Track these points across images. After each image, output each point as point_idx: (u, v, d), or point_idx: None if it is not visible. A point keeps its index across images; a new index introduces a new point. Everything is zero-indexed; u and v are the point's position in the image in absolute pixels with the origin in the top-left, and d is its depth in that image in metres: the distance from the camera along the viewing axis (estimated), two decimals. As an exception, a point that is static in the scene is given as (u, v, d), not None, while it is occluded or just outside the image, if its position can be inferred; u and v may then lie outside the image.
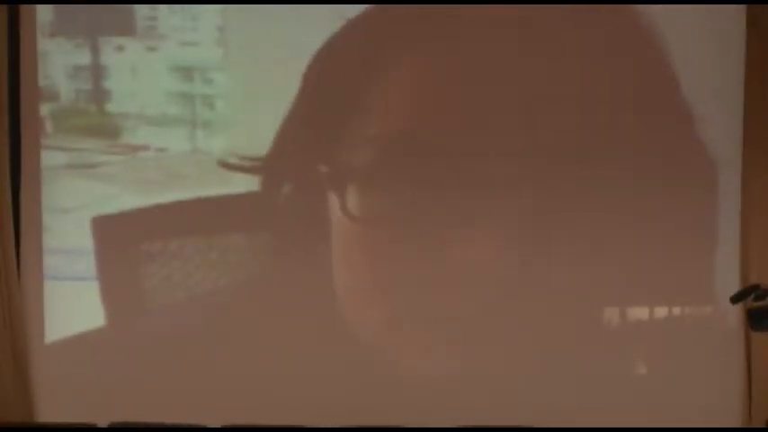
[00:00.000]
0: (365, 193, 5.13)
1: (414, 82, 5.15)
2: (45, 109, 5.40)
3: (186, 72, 5.36)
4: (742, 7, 5.07)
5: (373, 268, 5.19)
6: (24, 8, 5.35)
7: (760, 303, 4.03)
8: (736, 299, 4.24)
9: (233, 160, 5.24)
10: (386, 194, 5.16)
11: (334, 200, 5.14)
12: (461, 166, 5.16)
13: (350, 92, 5.18)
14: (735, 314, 4.97)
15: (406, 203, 5.18)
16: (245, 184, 5.28)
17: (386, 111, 5.15)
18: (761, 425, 4.97)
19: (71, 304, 5.35)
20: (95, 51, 5.39)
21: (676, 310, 5.18)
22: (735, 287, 4.88)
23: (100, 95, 5.40)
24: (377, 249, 5.18)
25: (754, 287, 4.13)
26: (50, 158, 5.39)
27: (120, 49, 5.38)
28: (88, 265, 5.33)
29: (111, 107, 5.39)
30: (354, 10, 5.22)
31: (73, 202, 5.37)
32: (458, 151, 5.16)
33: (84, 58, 5.39)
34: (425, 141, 5.14)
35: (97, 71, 5.40)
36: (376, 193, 5.14)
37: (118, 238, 5.35)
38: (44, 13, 5.37)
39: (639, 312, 5.18)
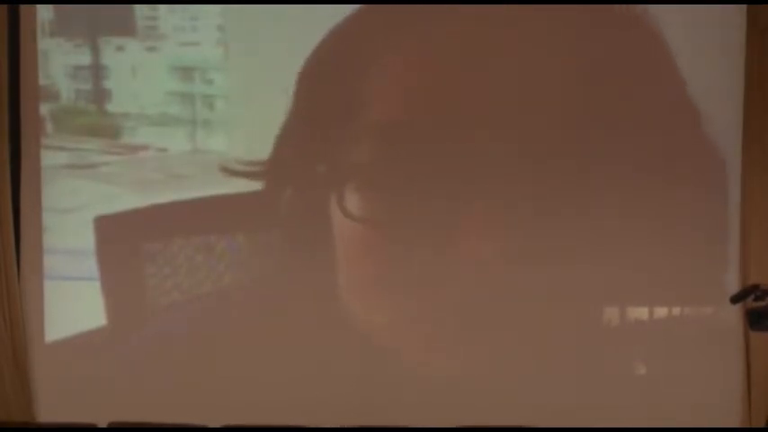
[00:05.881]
0: (363, 192, 5.13)
1: (409, 73, 5.13)
2: (45, 109, 5.40)
3: (186, 72, 5.36)
4: (742, 6, 5.08)
5: (374, 267, 5.18)
6: (24, 8, 5.34)
7: (760, 303, 4.03)
8: (735, 299, 4.24)
9: (235, 165, 5.23)
10: (383, 193, 5.15)
11: (333, 200, 5.14)
12: (459, 161, 5.16)
13: (344, 89, 5.17)
14: (735, 314, 4.97)
15: (403, 202, 5.17)
16: (246, 184, 5.28)
17: (381, 102, 5.13)
18: (760, 425, 4.96)
19: (71, 304, 5.35)
20: (95, 51, 5.39)
21: (676, 310, 5.18)
22: (735, 287, 4.89)
23: (100, 95, 5.40)
24: (376, 248, 5.17)
25: (754, 287, 4.12)
26: (50, 158, 5.39)
27: (120, 48, 5.38)
28: (88, 265, 5.33)
29: (111, 107, 5.39)
30: (354, 9, 5.23)
31: (73, 202, 5.37)
32: (456, 146, 5.15)
33: (85, 57, 5.39)
34: (421, 133, 5.13)
35: (97, 71, 5.40)
36: (373, 192, 5.14)
37: (118, 237, 5.35)
38: (44, 12, 5.37)
39: (639, 312, 5.18)
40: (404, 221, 5.19)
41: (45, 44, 5.38)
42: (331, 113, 5.19)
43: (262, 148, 5.25)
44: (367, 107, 5.14)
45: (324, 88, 5.20)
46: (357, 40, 5.20)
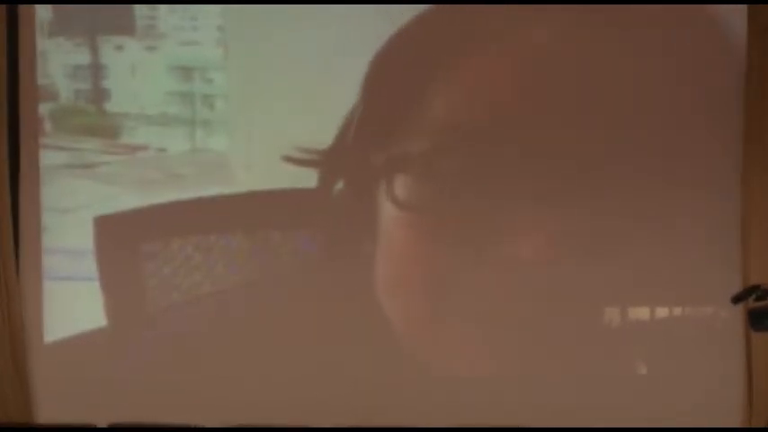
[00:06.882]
0: (415, 182, 5.11)
1: (477, 78, 5.12)
2: (44, 108, 5.39)
3: (186, 72, 5.35)
4: (742, 6, 5.08)
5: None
6: (23, 7, 5.34)
7: (760, 303, 4.03)
8: (736, 299, 4.24)
9: (297, 154, 5.21)
10: (435, 186, 5.13)
11: (382, 191, 5.13)
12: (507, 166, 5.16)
13: (410, 88, 5.16)
14: (735, 314, 4.97)
15: (453, 198, 5.15)
16: (247, 184, 5.28)
17: (447, 104, 5.12)
18: (761, 425, 4.97)
19: (70, 304, 5.34)
20: (95, 51, 5.38)
21: (676, 311, 5.18)
22: (735, 287, 4.87)
23: (99, 95, 5.39)
24: (418, 239, 5.16)
25: (755, 287, 4.12)
26: (49, 158, 5.38)
27: (120, 48, 5.37)
28: (88, 265, 5.33)
29: (110, 107, 5.38)
30: (355, 9, 5.22)
31: (72, 202, 5.37)
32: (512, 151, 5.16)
33: (84, 57, 5.39)
34: (482, 136, 5.12)
35: (96, 71, 5.39)
36: (425, 183, 5.12)
37: (118, 237, 5.35)
38: (43, 12, 5.36)
39: (640, 312, 5.18)
40: (446, 216, 5.18)
41: (44, 43, 5.37)
42: (395, 110, 5.17)
43: (262, 148, 5.25)
44: (430, 105, 5.13)
45: (391, 82, 5.18)
46: (427, 39, 5.18)
